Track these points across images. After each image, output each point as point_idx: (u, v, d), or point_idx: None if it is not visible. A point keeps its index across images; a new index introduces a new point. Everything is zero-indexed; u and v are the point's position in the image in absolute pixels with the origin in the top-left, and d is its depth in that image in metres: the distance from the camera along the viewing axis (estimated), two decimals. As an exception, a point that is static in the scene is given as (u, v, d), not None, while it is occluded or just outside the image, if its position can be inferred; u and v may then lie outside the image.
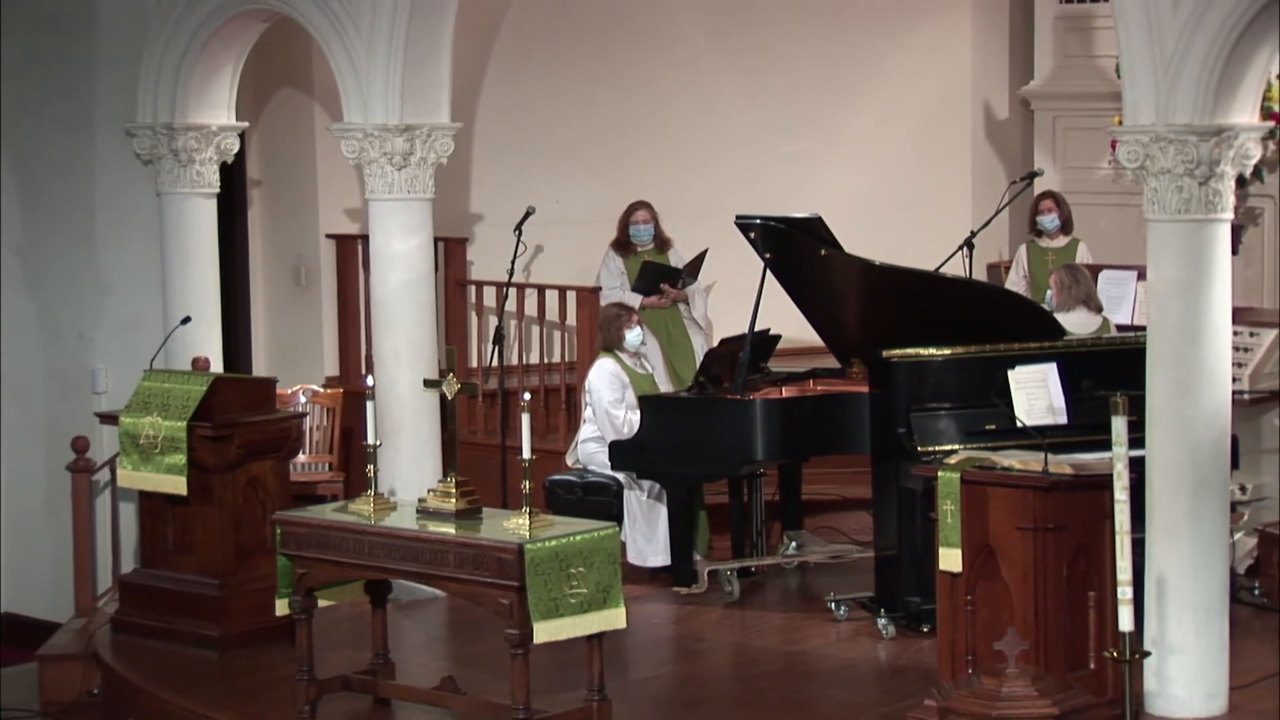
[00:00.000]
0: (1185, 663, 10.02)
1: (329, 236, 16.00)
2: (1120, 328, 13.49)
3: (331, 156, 14.57)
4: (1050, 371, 11.29)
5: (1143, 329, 10.85)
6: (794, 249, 12.23)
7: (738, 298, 13.24)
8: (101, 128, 14.60)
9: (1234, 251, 11.41)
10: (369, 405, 10.73)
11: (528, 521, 9.82)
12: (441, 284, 14.88)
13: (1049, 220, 15.07)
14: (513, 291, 14.57)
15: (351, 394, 14.70)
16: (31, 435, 15.17)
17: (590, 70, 16.53)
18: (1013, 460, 9.65)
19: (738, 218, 12.47)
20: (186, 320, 13.50)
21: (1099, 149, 16.09)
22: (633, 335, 13.03)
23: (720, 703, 10.74)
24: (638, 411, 12.68)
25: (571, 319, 14.91)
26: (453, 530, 10.03)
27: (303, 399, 14.69)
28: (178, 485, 12.20)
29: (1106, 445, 8.97)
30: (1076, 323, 12.80)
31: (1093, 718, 8.73)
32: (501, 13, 16.30)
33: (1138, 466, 9.80)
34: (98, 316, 14.77)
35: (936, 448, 11.22)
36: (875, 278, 12.03)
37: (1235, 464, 10.67)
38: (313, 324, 16.11)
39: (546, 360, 15.57)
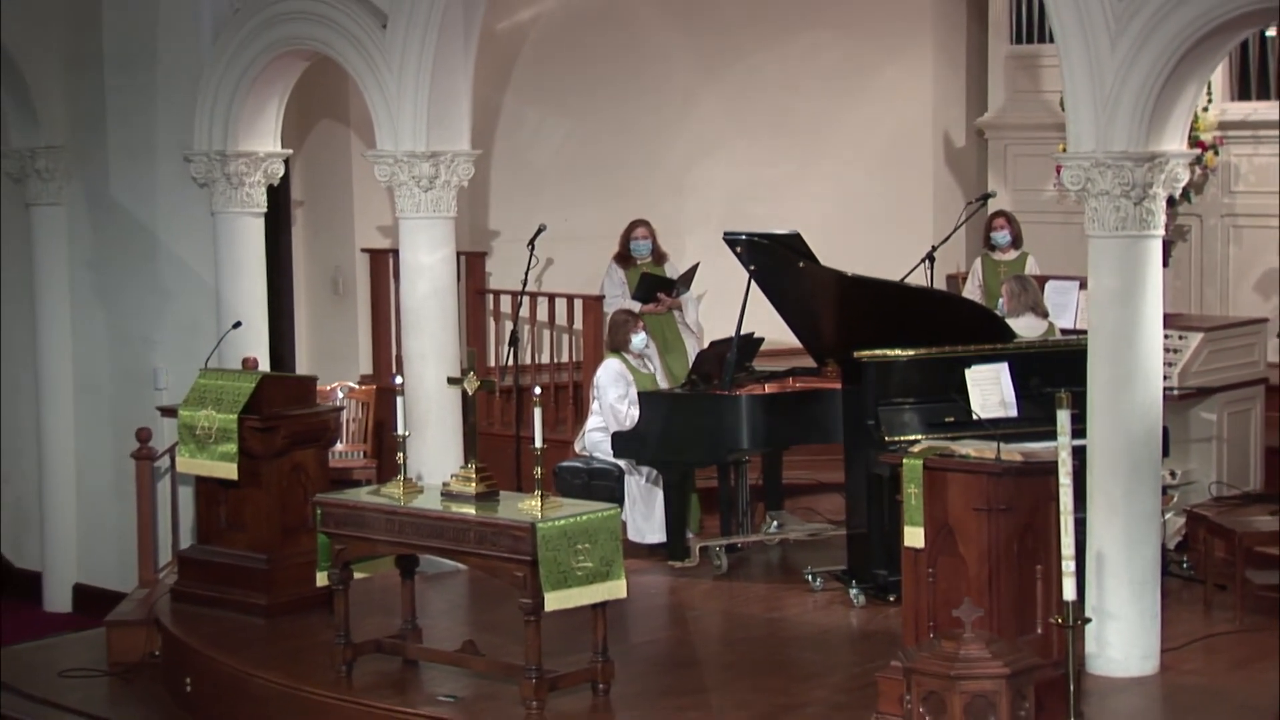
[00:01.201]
0: (1121, 628, 10.02)
1: (363, 250, 15.99)
2: (1064, 331, 13.48)
3: (366, 179, 14.56)
4: (1002, 370, 11.28)
5: (1084, 333, 10.83)
6: (775, 261, 12.22)
7: (725, 305, 13.24)
8: (162, 154, 14.59)
9: (1165, 264, 11.41)
10: (399, 400, 10.72)
11: (539, 503, 9.81)
12: (463, 293, 14.86)
13: (1002, 236, 15.06)
14: (526, 300, 14.57)
15: (383, 390, 14.69)
16: (101, 427, 15.16)
17: (594, 104, 16.52)
18: (969, 449, 9.64)
19: (725, 234, 12.46)
20: (237, 325, 13.50)
21: (1045, 173, 16.09)
22: (637, 339, 13.03)
23: (710, 663, 10.72)
24: (637, 406, 12.67)
25: (578, 324, 14.91)
26: (473, 511, 10.02)
27: (340, 394, 14.68)
28: (229, 471, 12.20)
29: (1052, 435, 8.97)
30: (1025, 327, 12.79)
31: (1040, 677, 8.73)
32: (515, 53, 16.29)
33: (1079, 454, 9.80)
34: (158, 322, 14.76)
35: (902, 438, 11.19)
36: (848, 287, 12.02)
37: (1166, 452, 10.66)
38: (349, 328, 16.10)
39: (556, 360, 15.56)
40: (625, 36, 16.66)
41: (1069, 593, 8.68)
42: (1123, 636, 10.02)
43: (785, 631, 11.29)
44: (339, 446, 14.18)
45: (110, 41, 14.84)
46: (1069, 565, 8.67)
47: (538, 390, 10.19)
